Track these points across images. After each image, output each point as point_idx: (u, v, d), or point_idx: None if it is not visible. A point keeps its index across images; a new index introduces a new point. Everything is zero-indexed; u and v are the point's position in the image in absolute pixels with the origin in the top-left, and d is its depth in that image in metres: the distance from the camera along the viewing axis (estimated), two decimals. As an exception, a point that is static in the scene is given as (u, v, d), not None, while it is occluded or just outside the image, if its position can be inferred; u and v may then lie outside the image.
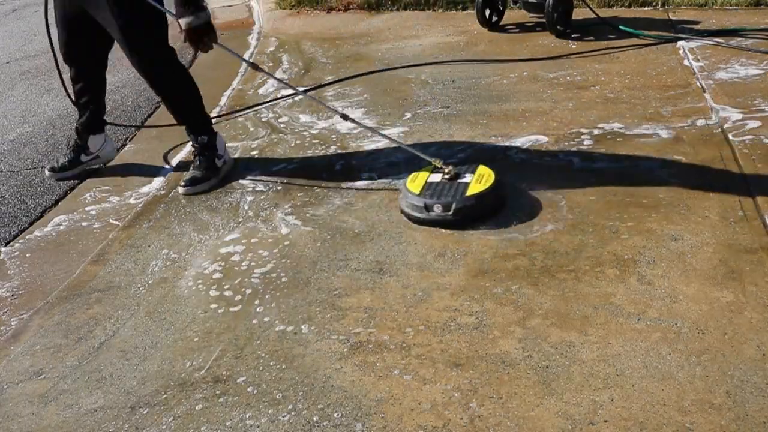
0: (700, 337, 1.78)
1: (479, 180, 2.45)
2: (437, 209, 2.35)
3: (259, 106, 3.74)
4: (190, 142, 2.98)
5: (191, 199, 2.84)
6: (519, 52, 4.07)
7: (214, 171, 2.93)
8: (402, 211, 2.46)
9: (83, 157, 3.20)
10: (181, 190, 2.87)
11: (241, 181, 2.93)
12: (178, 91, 2.89)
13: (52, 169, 3.21)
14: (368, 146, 3.09)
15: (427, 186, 2.46)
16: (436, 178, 2.51)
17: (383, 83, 3.85)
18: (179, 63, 2.90)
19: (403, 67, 4.05)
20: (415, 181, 2.50)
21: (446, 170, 2.50)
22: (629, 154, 2.72)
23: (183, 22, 2.49)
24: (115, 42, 2.80)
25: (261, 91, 4.00)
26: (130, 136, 3.70)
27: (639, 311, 1.90)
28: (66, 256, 2.59)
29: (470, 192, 2.39)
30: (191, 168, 2.94)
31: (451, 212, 2.34)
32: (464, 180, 2.46)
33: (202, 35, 2.53)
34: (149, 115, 3.99)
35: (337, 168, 2.94)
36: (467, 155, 2.88)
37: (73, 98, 3.12)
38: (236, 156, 3.16)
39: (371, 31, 4.94)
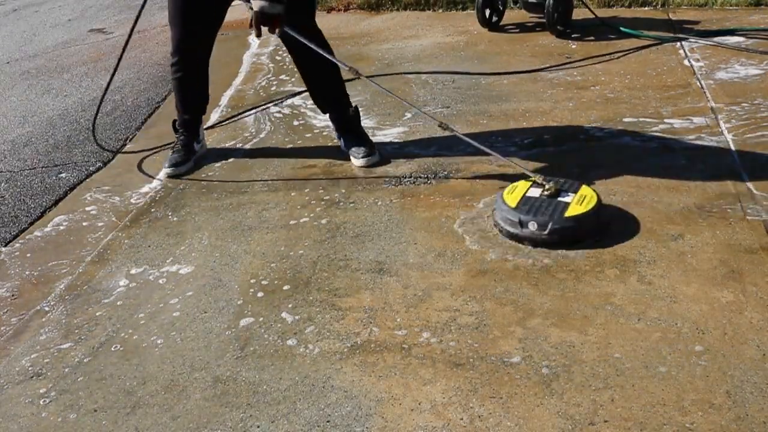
0: (700, 337, 1.78)
1: (580, 201, 2.27)
2: (532, 227, 2.22)
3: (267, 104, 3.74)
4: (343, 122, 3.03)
5: (192, 199, 2.85)
6: (519, 52, 4.07)
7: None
8: (495, 223, 2.35)
9: (196, 146, 3.19)
10: (362, 162, 2.92)
11: (242, 180, 2.93)
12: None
13: (172, 165, 3.10)
14: (368, 146, 3.09)
15: (525, 200, 2.30)
16: (535, 193, 2.34)
17: (384, 83, 3.84)
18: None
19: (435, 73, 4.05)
20: (513, 193, 2.35)
21: (546, 186, 2.34)
22: (629, 154, 2.72)
23: (255, 4, 2.51)
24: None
25: (261, 90, 4.01)
26: (130, 136, 3.71)
27: (639, 311, 1.89)
28: (66, 256, 2.59)
29: (569, 213, 2.22)
30: (360, 145, 2.95)
31: (546, 232, 2.20)
32: (564, 199, 2.29)
33: (272, 22, 2.56)
34: (149, 115, 3.99)
35: (337, 167, 2.94)
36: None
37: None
38: (238, 153, 3.16)
39: (371, 31, 4.94)
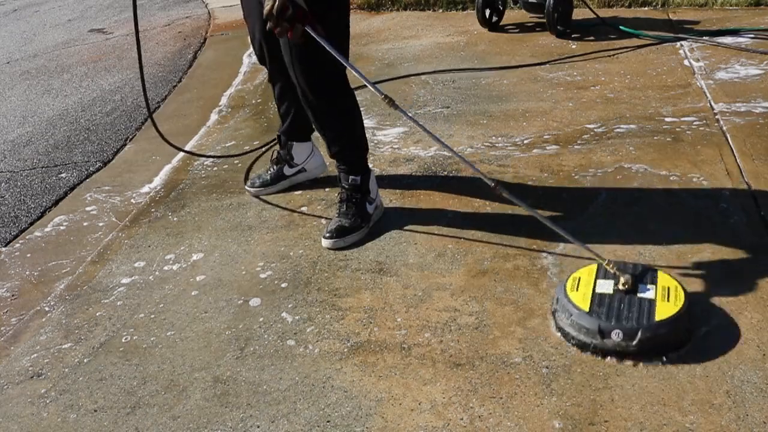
0: (700, 336, 1.78)
1: (665, 296, 1.79)
2: (616, 336, 1.72)
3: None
4: (342, 182, 2.43)
5: (192, 199, 2.85)
6: (519, 52, 4.07)
7: (365, 218, 2.41)
8: (560, 329, 1.84)
9: (287, 170, 2.78)
10: (325, 243, 2.36)
11: (242, 180, 2.93)
12: (344, 115, 2.37)
13: (252, 185, 2.80)
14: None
15: (598, 300, 1.81)
16: (607, 287, 1.85)
17: (383, 83, 3.85)
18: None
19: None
20: (578, 290, 1.85)
21: (622, 279, 1.84)
22: (629, 155, 2.72)
23: None
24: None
25: (261, 90, 4.01)
26: (131, 136, 3.71)
27: (639, 311, 1.89)
28: (66, 256, 2.59)
29: (660, 315, 1.74)
30: (336, 215, 2.42)
31: (635, 342, 1.71)
32: (645, 294, 1.81)
33: (289, 17, 1.93)
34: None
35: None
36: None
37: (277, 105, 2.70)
38: (233, 159, 3.16)
39: (371, 31, 4.94)
